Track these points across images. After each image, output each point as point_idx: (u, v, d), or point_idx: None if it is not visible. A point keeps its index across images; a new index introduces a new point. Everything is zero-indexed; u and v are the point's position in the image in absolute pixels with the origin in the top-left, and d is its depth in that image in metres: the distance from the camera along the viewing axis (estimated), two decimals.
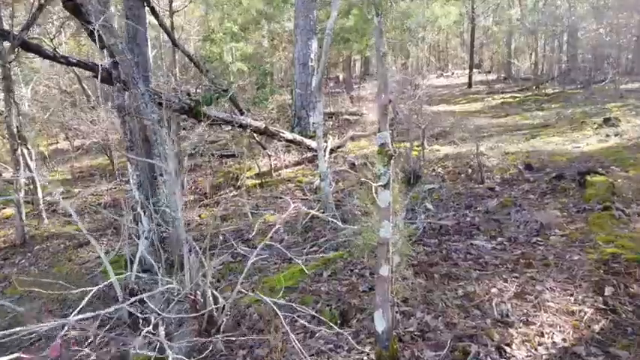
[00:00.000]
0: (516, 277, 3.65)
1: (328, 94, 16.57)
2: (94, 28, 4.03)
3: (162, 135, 4.68)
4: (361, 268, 4.22)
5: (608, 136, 8.30)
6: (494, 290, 3.48)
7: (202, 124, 5.93)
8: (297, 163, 9.10)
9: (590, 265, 3.68)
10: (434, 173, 7.40)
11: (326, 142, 9.34)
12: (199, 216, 6.87)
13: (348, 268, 4.30)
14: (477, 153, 6.84)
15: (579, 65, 16.47)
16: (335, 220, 4.80)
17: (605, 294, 3.26)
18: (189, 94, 5.36)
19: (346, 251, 4.63)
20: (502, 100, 15.94)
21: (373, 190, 2.78)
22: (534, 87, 17.20)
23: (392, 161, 2.85)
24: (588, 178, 5.37)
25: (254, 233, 5.93)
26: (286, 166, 8.83)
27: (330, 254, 4.79)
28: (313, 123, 10.88)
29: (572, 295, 3.31)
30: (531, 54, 20.49)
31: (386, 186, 2.84)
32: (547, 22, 17.53)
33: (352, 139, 10.27)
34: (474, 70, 22.92)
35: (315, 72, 9.16)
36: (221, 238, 5.95)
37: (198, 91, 6.20)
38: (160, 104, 5.00)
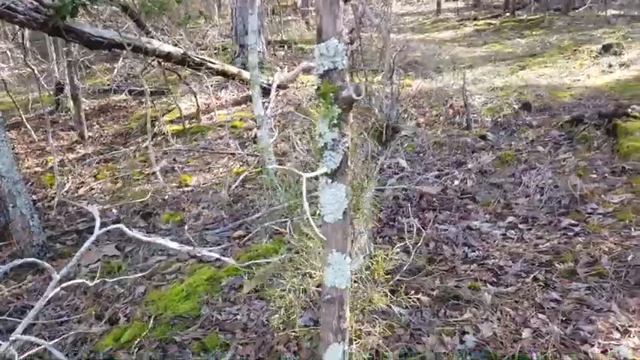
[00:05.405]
0: (557, 301, 2.21)
1: (274, 15, 14.17)
2: None
3: None
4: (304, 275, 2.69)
5: (611, 66, 6.86)
6: (525, 333, 2.03)
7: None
8: (237, 103, 7.28)
9: None
10: (405, 115, 5.83)
11: (272, 76, 7.53)
12: (94, 176, 5.10)
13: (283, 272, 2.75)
14: (464, 87, 5.26)
15: None
16: (275, 188, 3.27)
17: None
18: None
19: (284, 242, 3.07)
20: (476, 27, 14.23)
21: (304, 185, 1.17)
22: (509, 13, 15.54)
23: (350, 113, 1.21)
24: (619, 122, 3.92)
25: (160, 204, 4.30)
26: (221, 107, 7.01)
27: (262, 244, 3.23)
28: (259, 52, 8.96)
29: None
30: None
31: (335, 175, 1.22)
32: None
33: (305, 71, 8.44)
34: None
35: None
36: (114, 212, 4.27)
37: None
38: None
